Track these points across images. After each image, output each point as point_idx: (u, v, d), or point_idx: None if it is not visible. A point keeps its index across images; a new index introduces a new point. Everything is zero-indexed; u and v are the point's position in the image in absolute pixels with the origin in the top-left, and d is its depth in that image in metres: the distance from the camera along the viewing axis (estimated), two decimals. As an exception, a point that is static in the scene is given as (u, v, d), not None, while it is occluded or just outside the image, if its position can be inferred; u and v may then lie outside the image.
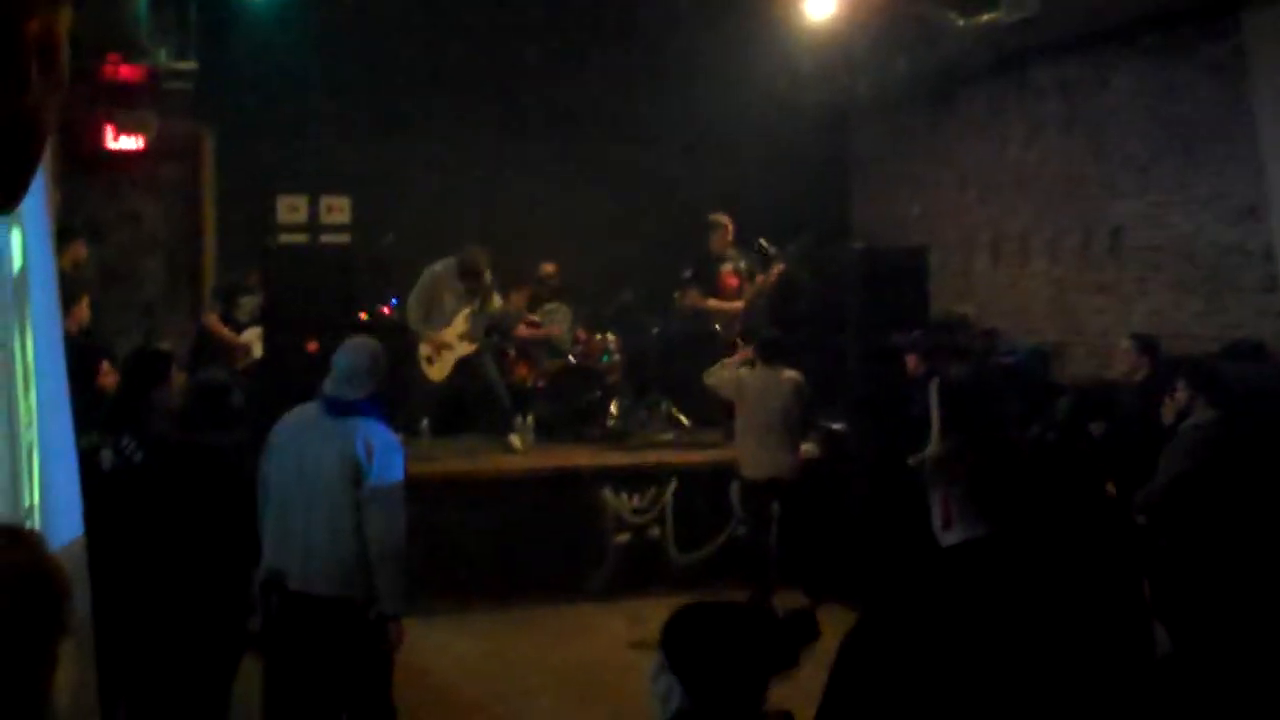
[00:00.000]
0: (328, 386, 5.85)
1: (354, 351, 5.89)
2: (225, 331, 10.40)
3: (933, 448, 7.45)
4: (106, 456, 5.78)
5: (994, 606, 2.88)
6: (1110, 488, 7.89)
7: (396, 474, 5.75)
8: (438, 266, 10.94)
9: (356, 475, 5.60)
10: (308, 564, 5.64)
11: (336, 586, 5.63)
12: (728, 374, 9.78)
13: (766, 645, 2.98)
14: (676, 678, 2.91)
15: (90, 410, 5.87)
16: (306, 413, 5.89)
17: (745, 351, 10.02)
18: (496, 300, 11.19)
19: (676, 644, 2.95)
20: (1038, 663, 2.83)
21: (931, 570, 3.00)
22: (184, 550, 5.75)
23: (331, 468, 5.64)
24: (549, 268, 12.39)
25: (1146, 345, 8.74)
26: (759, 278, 11.79)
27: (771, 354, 9.57)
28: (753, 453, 9.50)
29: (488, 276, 10.96)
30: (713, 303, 11.87)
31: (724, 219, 11.89)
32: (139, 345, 7.22)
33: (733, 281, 11.90)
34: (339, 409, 5.75)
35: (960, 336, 10.72)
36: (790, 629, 2.96)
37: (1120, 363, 9.02)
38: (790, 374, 9.52)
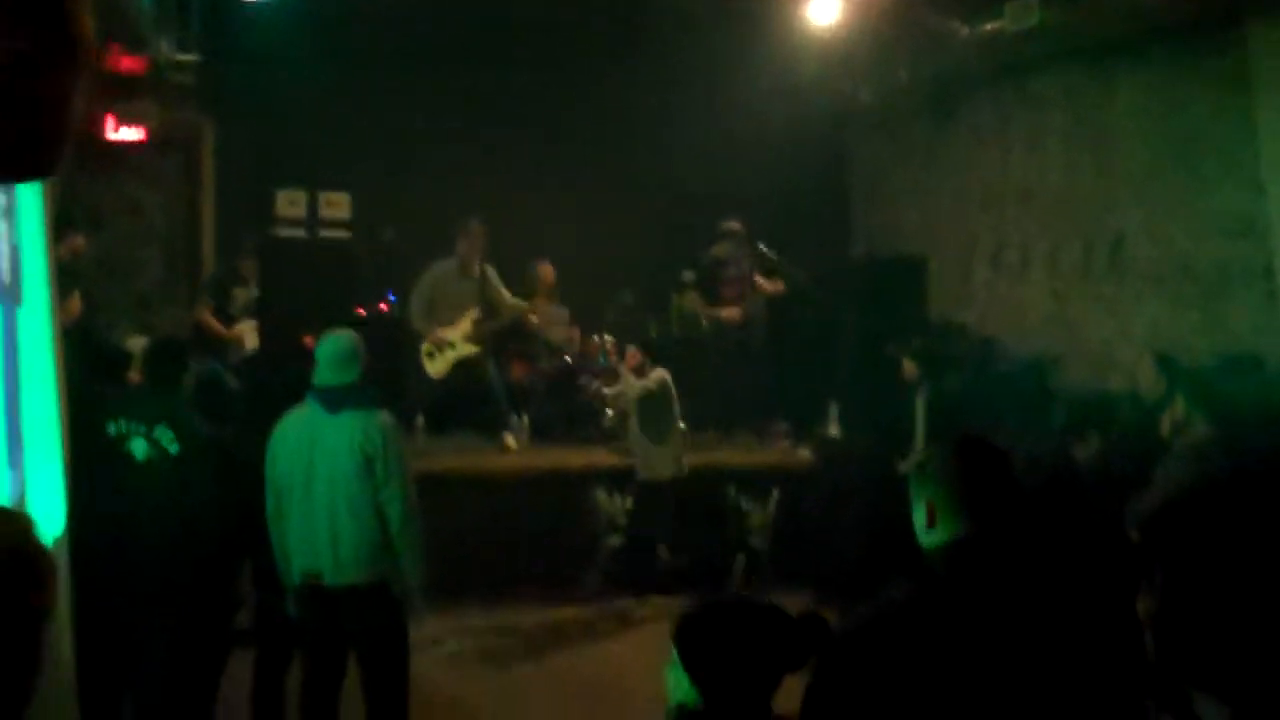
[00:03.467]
0: (317, 378, 5.94)
1: (334, 340, 6.03)
2: (216, 325, 10.40)
3: (916, 453, 7.47)
4: (139, 446, 5.79)
5: (970, 605, 2.87)
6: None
7: (402, 454, 5.98)
8: (440, 265, 10.95)
9: (369, 465, 5.79)
10: (339, 558, 5.82)
11: (368, 573, 5.86)
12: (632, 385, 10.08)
13: (779, 645, 2.97)
14: (686, 674, 2.90)
15: (112, 400, 5.92)
16: (303, 415, 5.95)
17: (634, 356, 10.20)
18: (507, 296, 11.18)
19: (688, 640, 2.94)
20: (1018, 664, 2.82)
21: (912, 570, 2.99)
22: (189, 541, 5.77)
23: (344, 463, 5.81)
24: (545, 269, 12.39)
25: (1166, 364, 8.71)
26: (760, 283, 11.79)
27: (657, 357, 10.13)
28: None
29: (492, 274, 10.98)
30: (725, 312, 11.90)
31: (738, 226, 11.89)
32: (161, 336, 7.23)
33: (734, 289, 11.90)
34: (335, 403, 5.86)
35: (957, 345, 10.74)
36: (802, 630, 2.95)
37: (1140, 380, 8.95)
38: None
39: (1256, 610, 5.30)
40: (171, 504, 5.74)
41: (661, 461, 9.88)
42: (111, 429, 5.75)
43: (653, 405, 9.90)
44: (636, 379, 9.93)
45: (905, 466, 8.05)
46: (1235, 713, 2.74)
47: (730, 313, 11.86)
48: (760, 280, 11.77)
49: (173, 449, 5.82)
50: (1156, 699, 3.29)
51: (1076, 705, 2.84)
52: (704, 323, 12.19)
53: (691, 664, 2.91)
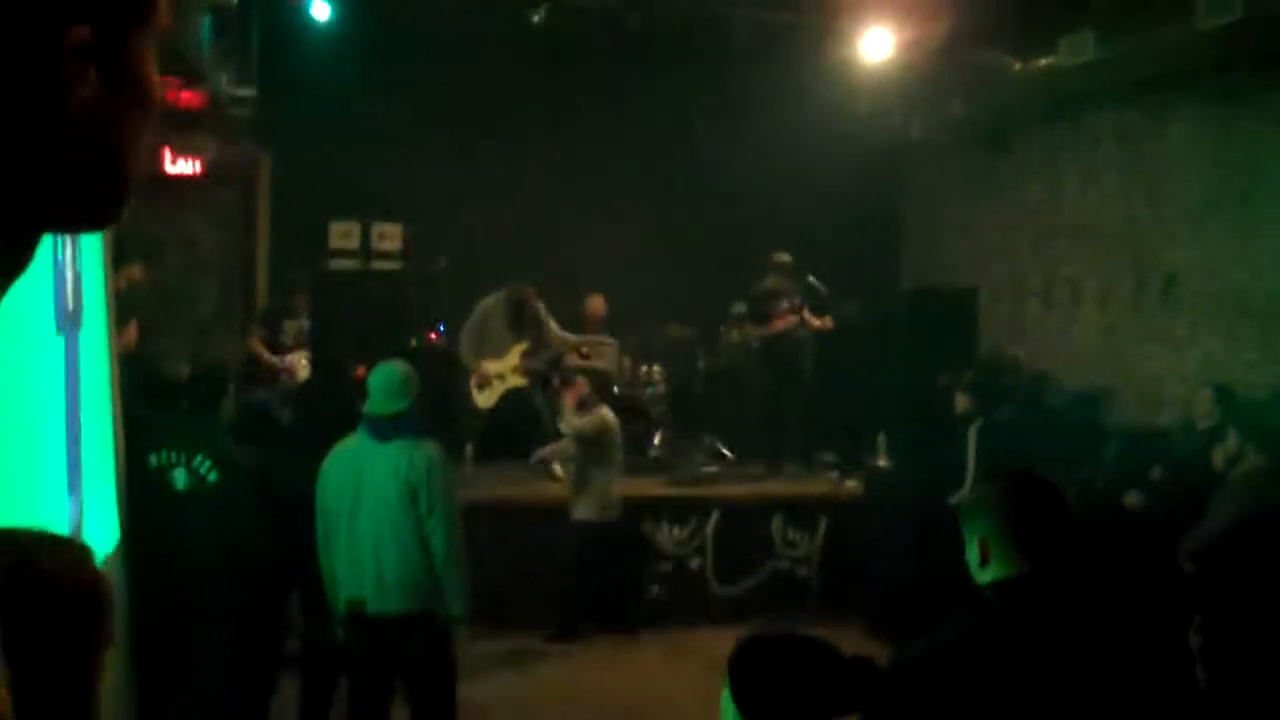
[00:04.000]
0: (368, 407, 5.97)
1: (386, 369, 6.07)
2: (266, 355, 10.50)
3: (968, 488, 7.42)
4: (179, 476, 5.85)
5: (1025, 643, 2.85)
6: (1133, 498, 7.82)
7: (449, 484, 6.02)
8: (490, 300, 11.06)
9: (414, 494, 5.82)
10: (383, 586, 5.85)
11: (412, 602, 5.89)
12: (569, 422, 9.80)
13: (832, 685, 2.95)
14: (736, 708, 2.88)
15: (158, 429, 5.97)
16: (352, 444, 6.01)
17: (579, 388, 9.92)
18: (554, 329, 11.26)
19: (742, 673, 2.92)
20: (1072, 702, 2.80)
21: (964, 604, 2.97)
22: (236, 569, 5.81)
23: (389, 492, 5.85)
24: (596, 300, 12.42)
25: (1223, 395, 8.67)
26: (809, 319, 11.77)
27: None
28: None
29: (541, 308, 11.05)
30: (777, 324, 11.87)
31: (787, 259, 11.88)
32: (202, 365, 7.29)
33: (784, 321, 11.88)
34: (384, 433, 5.90)
35: (1009, 378, 10.69)
36: (856, 672, 2.93)
37: (1196, 409, 8.89)
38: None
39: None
40: (212, 533, 5.77)
41: (583, 503, 9.58)
42: (153, 459, 5.80)
43: (585, 446, 9.66)
44: (577, 416, 9.69)
45: (957, 500, 8.02)
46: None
47: (782, 323, 11.76)
48: (809, 316, 11.74)
49: (211, 477, 5.86)
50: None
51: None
52: (755, 344, 12.15)
53: (743, 698, 2.89)
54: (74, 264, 4.37)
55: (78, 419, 4.33)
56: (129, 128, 1.18)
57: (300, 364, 10.51)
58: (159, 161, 11.38)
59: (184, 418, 6.18)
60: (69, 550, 1.99)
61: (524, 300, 10.99)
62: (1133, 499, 8.35)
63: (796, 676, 2.90)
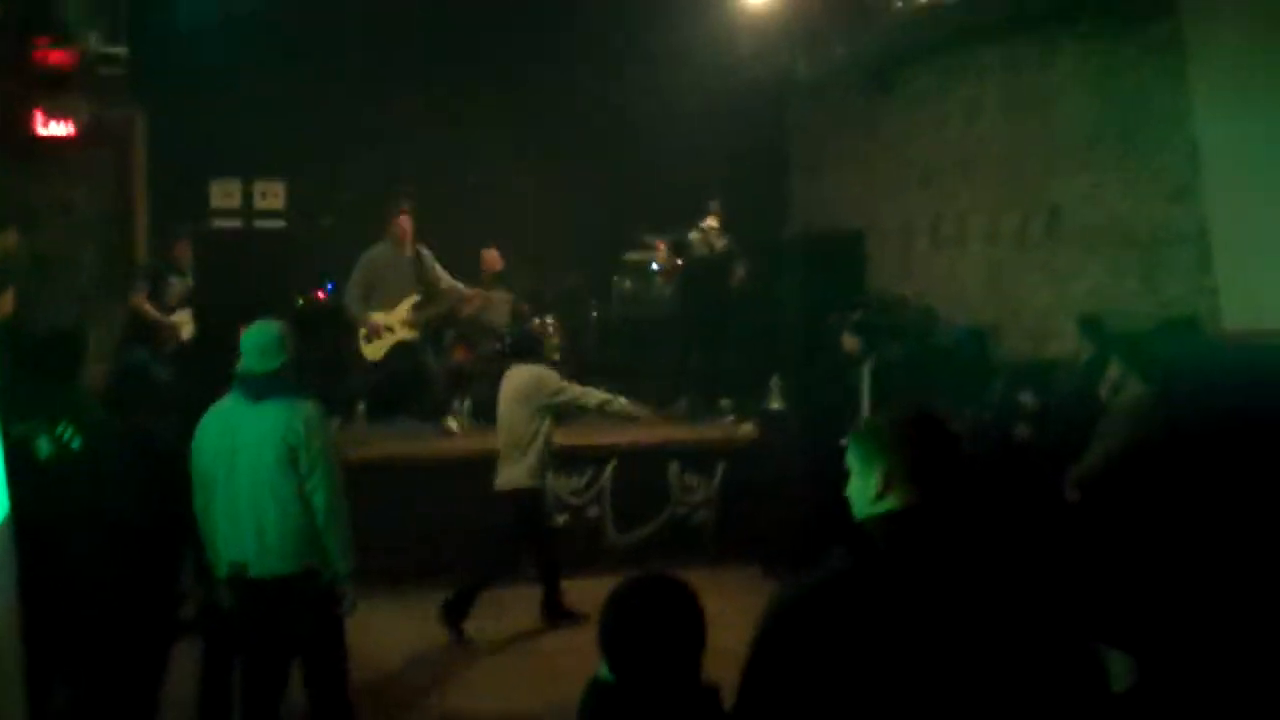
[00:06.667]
0: (241, 366, 5.85)
1: (259, 328, 5.93)
2: (152, 311, 10.28)
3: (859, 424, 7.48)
4: (43, 444, 5.69)
5: (911, 574, 2.86)
6: (1024, 430, 7.96)
7: (328, 443, 5.88)
8: (374, 249, 10.93)
9: (292, 454, 5.70)
10: (263, 548, 5.74)
11: (294, 562, 5.77)
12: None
13: (687, 624, 3.00)
14: (602, 653, 2.94)
15: (17, 398, 5.78)
16: (226, 406, 5.88)
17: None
18: (445, 276, 11.17)
19: (602, 618, 2.98)
20: (957, 633, 2.82)
21: (854, 537, 2.98)
22: (117, 536, 5.69)
23: (266, 453, 5.71)
24: (491, 254, 12.33)
25: (1089, 327, 8.80)
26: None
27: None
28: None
29: (428, 256, 10.97)
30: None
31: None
32: (54, 329, 7.08)
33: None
34: (258, 393, 5.77)
35: (896, 317, 10.79)
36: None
37: (1064, 342, 9.06)
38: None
39: (1190, 566, 5.36)
40: (81, 501, 5.61)
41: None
42: (14, 430, 5.61)
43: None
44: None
45: (848, 441, 8.07)
46: (1140, 665, 2.77)
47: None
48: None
49: (74, 444, 5.70)
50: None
51: (1016, 672, 2.84)
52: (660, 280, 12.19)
53: (602, 641, 2.97)
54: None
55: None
56: None
57: (185, 323, 10.32)
58: (30, 124, 11.10)
59: (43, 384, 5.98)
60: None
61: (394, 206, 10.85)
62: (1022, 429, 8.47)
63: (648, 617, 2.97)
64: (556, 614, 8.96)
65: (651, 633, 2.96)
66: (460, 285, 11.41)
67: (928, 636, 2.78)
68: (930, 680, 2.76)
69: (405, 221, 10.90)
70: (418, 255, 11.02)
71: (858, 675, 2.76)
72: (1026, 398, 8.46)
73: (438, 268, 11.15)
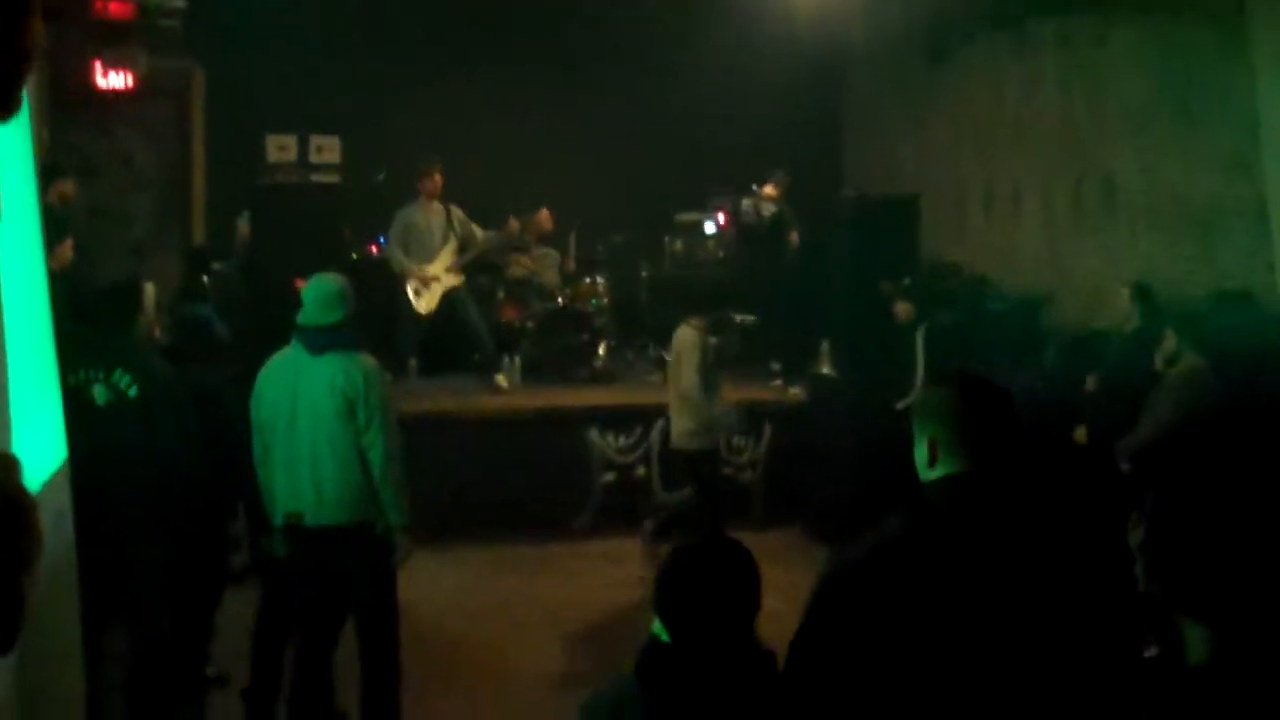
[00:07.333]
0: (302, 318, 5.91)
1: (321, 281, 6.01)
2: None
3: (918, 391, 7.46)
4: (100, 392, 5.77)
5: (966, 539, 2.88)
6: (1080, 434, 7.93)
7: (386, 396, 5.96)
8: (406, 208, 11.14)
9: (350, 406, 5.78)
10: (320, 498, 5.83)
11: (350, 513, 5.86)
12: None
13: (742, 587, 3.02)
14: (657, 615, 2.96)
15: (76, 346, 5.85)
16: (287, 357, 5.95)
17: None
18: (478, 233, 11.31)
19: (659, 584, 3.01)
20: (1012, 597, 2.83)
21: (907, 505, 3.00)
22: (171, 483, 5.76)
23: (325, 405, 5.80)
24: (543, 214, 12.36)
25: (1141, 293, 8.74)
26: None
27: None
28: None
29: (457, 211, 11.13)
30: None
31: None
32: (114, 279, 7.16)
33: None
34: (318, 345, 5.85)
35: (949, 283, 10.75)
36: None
37: (1114, 310, 9.00)
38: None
39: (1245, 537, 5.33)
40: (138, 448, 5.69)
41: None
42: (71, 377, 5.68)
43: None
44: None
45: (904, 405, 8.07)
46: (1220, 637, 2.77)
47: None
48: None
49: (131, 392, 5.78)
50: (1147, 626, 3.32)
51: (1070, 636, 2.86)
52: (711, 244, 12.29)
53: (660, 602, 2.99)
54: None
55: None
56: (11, 21, 1.16)
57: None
58: (90, 75, 11.18)
59: (100, 333, 6.06)
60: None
61: (425, 168, 11.10)
62: (1094, 382, 8.42)
63: (710, 584, 2.99)
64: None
65: (709, 595, 2.98)
66: (493, 234, 11.54)
67: (979, 601, 2.81)
68: (983, 644, 2.79)
69: (436, 179, 11.05)
70: (448, 211, 11.16)
71: (910, 638, 2.79)
72: (1091, 380, 8.42)
73: (470, 223, 11.31)
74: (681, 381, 8.82)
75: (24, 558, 1.92)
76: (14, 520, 1.91)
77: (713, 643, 2.95)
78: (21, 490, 1.96)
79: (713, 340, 8.99)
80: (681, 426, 8.93)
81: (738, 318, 11.93)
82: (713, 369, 8.90)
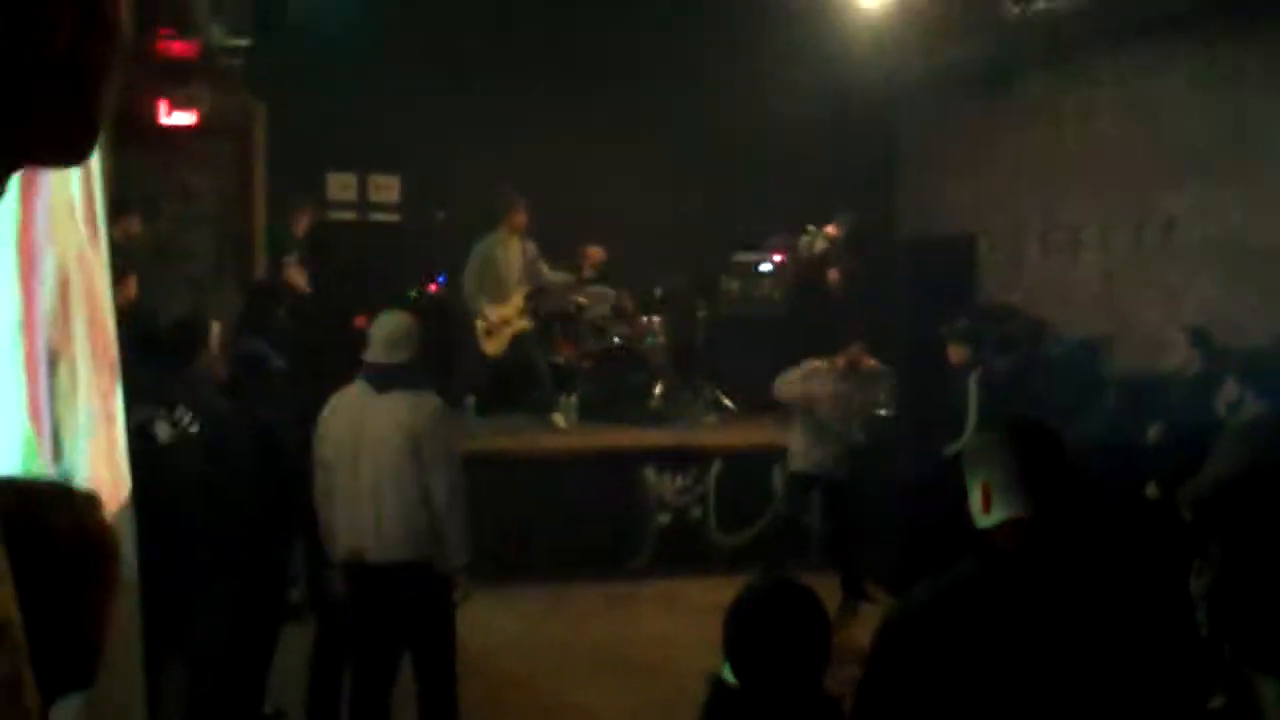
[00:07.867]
0: (368, 355, 5.97)
1: (389, 320, 6.09)
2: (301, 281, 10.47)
3: (969, 436, 7.42)
4: (163, 429, 5.83)
5: (1028, 585, 2.86)
6: (1153, 490, 7.85)
7: (449, 436, 6.06)
8: (485, 241, 11.08)
9: (415, 444, 5.83)
10: (382, 535, 5.87)
11: (412, 550, 5.90)
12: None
13: (811, 633, 3.00)
14: (725, 656, 2.95)
15: (139, 382, 5.91)
16: (352, 394, 6.01)
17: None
18: (547, 270, 11.33)
19: (727, 622, 3.00)
20: (1078, 643, 2.82)
21: (966, 551, 2.98)
22: (231, 519, 5.81)
23: (390, 443, 5.85)
24: (595, 250, 12.41)
25: (1200, 338, 8.65)
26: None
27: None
28: None
29: (532, 248, 11.10)
30: None
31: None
32: (176, 316, 7.24)
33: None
34: (384, 383, 5.90)
35: (1007, 327, 10.67)
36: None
37: (1173, 355, 8.91)
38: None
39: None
40: (198, 484, 5.75)
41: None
42: (135, 415, 5.73)
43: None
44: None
45: (956, 449, 8.02)
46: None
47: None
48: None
49: (192, 428, 5.84)
50: (1213, 678, 3.29)
51: (1136, 682, 2.84)
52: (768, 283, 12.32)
53: (729, 645, 2.97)
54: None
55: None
56: (100, 67, 1.19)
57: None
58: (154, 113, 11.32)
59: (163, 370, 6.12)
60: (77, 501, 1.99)
61: (505, 203, 11.05)
62: (1156, 431, 8.34)
63: (782, 630, 2.97)
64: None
65: (780, 640, 2.97)
66: (565, 275, 11.55)
67: (1052, 645, 2.80)
68: (1052, 688, 2.78)
69: (521, 215, 11.04)
70: (523, 249, 11.18)
71: (983, 682, 2.78)
72: (1154, 431, 8.34)
73: (542, 261, 11.30)
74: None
75: (108, 593, 1.96)
76: (100, 556, 1.94)
77: (783, 689, 2.94)
78: (107, 529, 2.00)
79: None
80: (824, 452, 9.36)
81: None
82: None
